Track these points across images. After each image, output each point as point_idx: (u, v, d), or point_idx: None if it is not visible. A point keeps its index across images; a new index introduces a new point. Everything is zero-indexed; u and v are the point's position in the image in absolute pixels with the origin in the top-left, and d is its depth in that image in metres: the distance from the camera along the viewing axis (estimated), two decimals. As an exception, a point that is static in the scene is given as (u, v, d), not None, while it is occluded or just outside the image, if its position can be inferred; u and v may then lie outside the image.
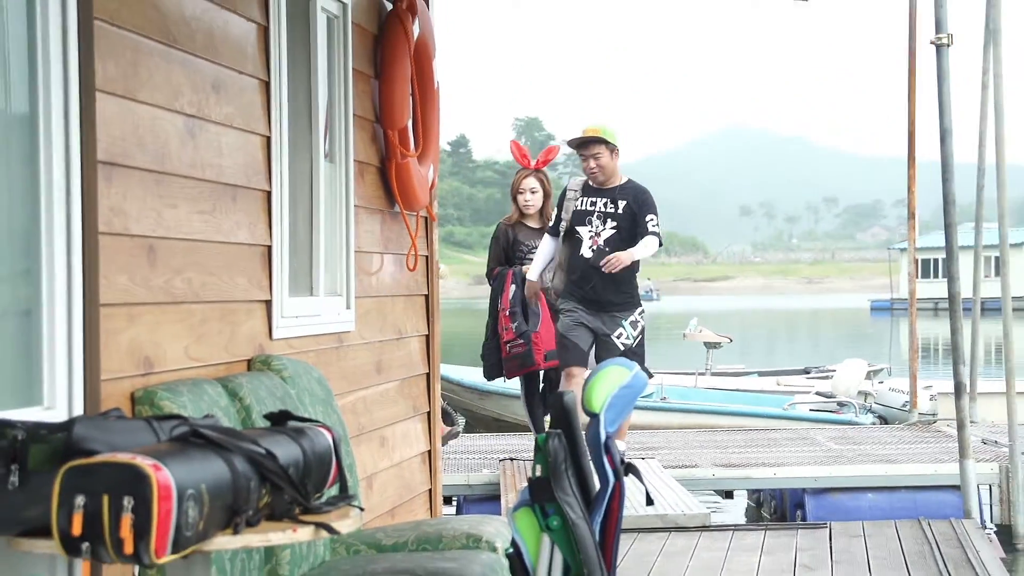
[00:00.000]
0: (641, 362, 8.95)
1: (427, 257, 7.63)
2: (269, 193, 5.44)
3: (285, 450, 3.73)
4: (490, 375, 10.63)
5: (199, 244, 4.84)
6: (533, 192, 10.41)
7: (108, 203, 4.21)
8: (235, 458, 3.53)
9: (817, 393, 17.99)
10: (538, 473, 4.12)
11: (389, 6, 6.98)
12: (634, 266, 9.25)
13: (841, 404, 16.81)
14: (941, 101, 8.78)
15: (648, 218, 9.21)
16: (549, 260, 9.62)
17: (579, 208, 9.36)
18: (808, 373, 22.00)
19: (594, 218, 9.28)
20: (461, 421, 17.47)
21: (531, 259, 10.01)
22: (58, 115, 4.02)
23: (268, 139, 5.45)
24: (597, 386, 4.34)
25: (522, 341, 10.15)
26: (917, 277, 14.31)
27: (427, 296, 7.69)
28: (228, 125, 5.09)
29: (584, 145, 9.29)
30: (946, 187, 8.74)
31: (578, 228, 9.33)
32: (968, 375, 11.36)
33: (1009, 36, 11.22)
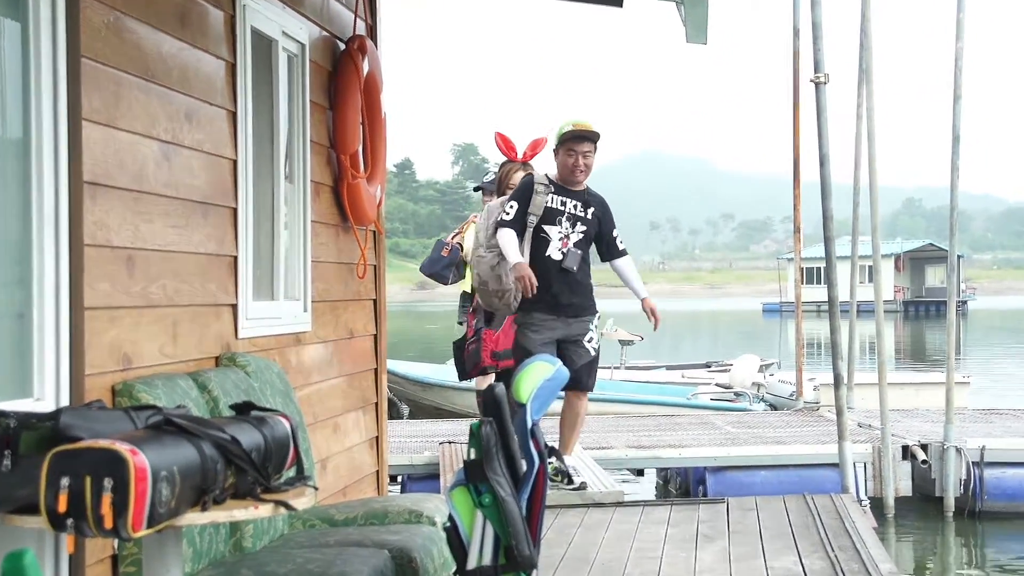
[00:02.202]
0: (596, 369, 8.04)
1: (375, 266, 7.60)
2: (235, 210, 5.41)
3: (248, 436, 3.71)
4: (460, 374, 9.19)
5: (173, 254, 4.80)
6: None
7: (92, 218, 4.17)
8: (203, 443, 3.50)
9: (717, 384, 18.09)
10: (472, 456, 4.12)
11: (342, 46, 6.96)
12: (588, 267, 7.99)
13: (737, 394, 16.91)
14: (820, 131, 8.85)
15: (616, 234, 7.97)
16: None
17: (550, 206, 7.83)
18: (709, 367, 22.11)
19: (564, 219, 7.82)
20: (405, 409, 17.48)
21: None
22: (49, 141, 3.99)
23: (235, 162, 5.41)
24: (524, 380, 4.35)
25: (475, 338, 8.92)
26: (802, 283, 14.43)
27: (375, 300, 7.65)
28: (199, 150, 5.05)
29: (579, 140, 7.80)
30: (825, 205, 8.80)
31: (546, 227, 7.82)
32: (846, 368, 11.47)
33: (879, 74, 11.34)
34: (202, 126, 5.08)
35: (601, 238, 7.96)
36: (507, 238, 7.78)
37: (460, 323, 9.47)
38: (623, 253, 8.04)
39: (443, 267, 9.78)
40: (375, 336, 7.65)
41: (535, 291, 7.66)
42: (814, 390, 14.78)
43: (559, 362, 4.62)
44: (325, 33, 6.77)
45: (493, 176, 9.39)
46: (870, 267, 12.04)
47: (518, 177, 8.56)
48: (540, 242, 7.83)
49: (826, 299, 9.05)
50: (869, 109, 11.10)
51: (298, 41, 6.30)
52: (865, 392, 13.23)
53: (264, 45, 5.92)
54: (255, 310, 5.60)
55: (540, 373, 4.45)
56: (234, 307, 5.39)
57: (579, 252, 7.83)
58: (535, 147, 8.84)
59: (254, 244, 5.64)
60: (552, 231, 7.83)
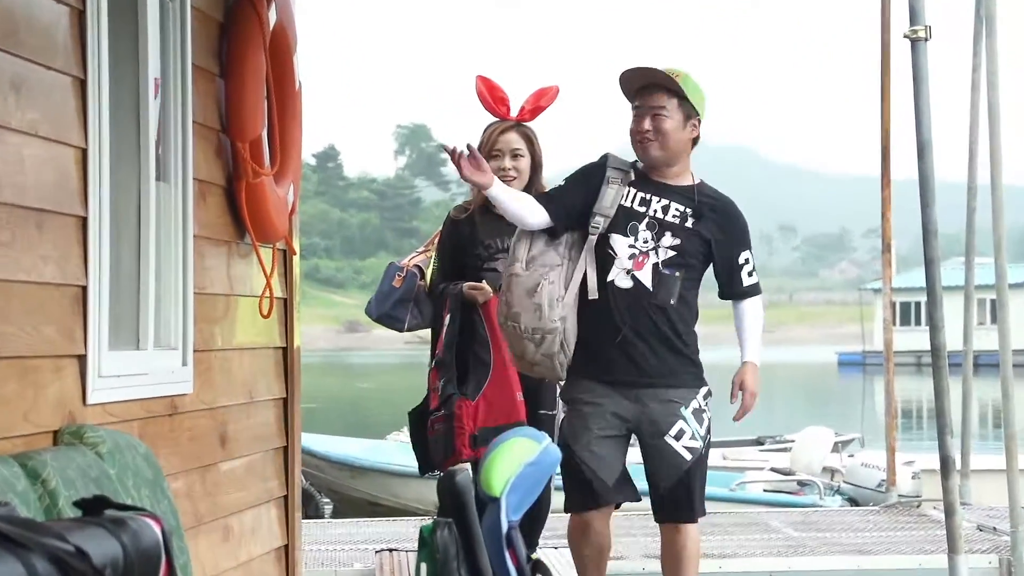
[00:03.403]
0: (703, 480, 7.24)
1: (285, 300, 7.58)
2: (85, 219, 5.38)
3: (100, 546, 3.68)
4: (422, 462, 8.31)
5: (-7, 284, 4.77)
6: (516, 155, 8.04)
7: None
8: (34, 558, 3.47)
9: (772, 469, 18.10)
10: (424, 572, 4.10)
11: (239, -13, 6.96)
12: (693, 309, 7.23)
13: (802, 483, 16.91)
14: (918, 107, 8.83)
15: (744, 259, 7.23)
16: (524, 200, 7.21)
17: (625, 204, 7.09)
18: (761, 444, 22.14)
19: (643, 226, 7.05)
20: (327, 505, 17.44)
21: (497, 268, 7.90)
22: None
23: (84, 152, 5.39)
24: (497, 464, 4.34)
25: (443, 412, 7.93)
26: (895, 325, 14.44)
27: (285, 349, 7.63)
28: (32, 134, 5.03)
29: (645, 91, 7.12)
30: (926, 213, 8.79)
31: (614, 237, 7.06)
32: (958, 447, 11.46)
33: (1004, 24, 11.31)
34: (36, 100, 5.06)
35: (719, 265, 7.24)
36: (520, 195, 7.25)
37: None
38: (746, 292, 7.31)
39: (395, 303, 8.83)
40: (285, 400, 7.62)
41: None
42: (913, 478, 14.77)
43: (546, 438, 4.62)
44: (214, -33, 6.78)
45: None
46: (993, 301, 12.03)
47: (506, 140, 8.06)
48: (603, 260, 7.07)
49: (928, 347, 9.05)
50: (991, 75, 11.08)
51: (175, -21, 6.31)
52: (987, 481, 13.22)
53: (126, -16, 5.92)
54: (112, 364, 5.57)
55: (519, 455, 4.44)
56: (81, 359, 5.35)
57: (676, 274, 7.04)
58: (539, 99, 8.20)
59: (111, 269, 5.61)
60: (620, 244, 7.06)
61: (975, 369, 13.35)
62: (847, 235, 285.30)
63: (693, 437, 7.01)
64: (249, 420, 7.12)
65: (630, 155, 7.38)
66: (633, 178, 7.14)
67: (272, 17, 6.92)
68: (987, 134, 10.99)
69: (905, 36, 9.05)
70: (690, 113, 7.12)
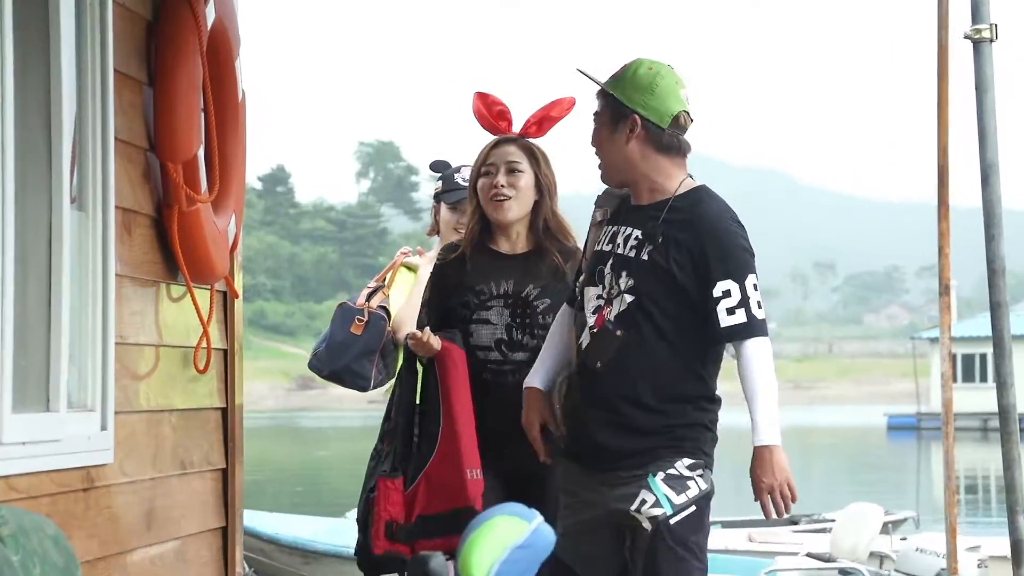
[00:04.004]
0: (693, 565, 6.48)
1: (226, 352, 7.58)
2: (-16, 256, 5.39)
3: (3, 649, 3.68)
4: (363, 559, 7.37)
5: None
6: (513, 170, 7.40)
7: None
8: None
9: (809, 555, 18.08)
10: None
11: (170, -21, 6.97)
12: (662, 372, 6.45)
13: (845, 572, 16.91)
14: (982, 121, 8.82)
15: (721, 291, 6.42)
16: (562, 359, 6.87)
17: (597, 248, 6.68)
18: (796, 524, 22.13)
19: (608, 267, 6.56)
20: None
21: (491, 319, 7.38)
22: None
23: (-16, 175, 5.40)
24: (478, 547, 4.34)
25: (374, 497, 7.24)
26: (955, 381, 14.42)
27: (225, 410, 7.62)
28: (-78, 154, 5.04)
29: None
30: (992, 247, 8.78)
31: (586, 291, 6.67)
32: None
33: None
34: (-72, 113, 5.07)
35: (696, 303, 6.46)
36: (557, 332, 6.93)
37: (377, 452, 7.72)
38: (724, 336, 6.49)
39: (357, 356, 8.40)
40: (224, 471, 7.62)
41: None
42: (979, 566, 14.76)
43: (537, 516, 4.62)
44: (140, -45, 6.80)
45: (461, 171, 8.21)
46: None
47: (502, 153, 7.43)
48: (581, 321, 6.67)
49: (996, 409, 9.06)
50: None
51: (94, -31, 6.31)
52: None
53: (36, -26, 5.93)
54: (17, 429, 5.56)
55: (504, 536, 4.44)
56: (-20, 423, 5.35)
57: (617, 332, 6.48)
58: (549, 110, 7.61)
59: (16, 316, 5.61)
60: (590, 297, 6.65)
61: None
62: (897, 274, 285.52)
63: (656, 504, 6.32)
64: (181, 495, 7.11)
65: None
66: (608, 215, 6.72)
67: (210, 15, 6.93)
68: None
69: (966, 37, 9.07)
70: (620, 112, 6.55)
